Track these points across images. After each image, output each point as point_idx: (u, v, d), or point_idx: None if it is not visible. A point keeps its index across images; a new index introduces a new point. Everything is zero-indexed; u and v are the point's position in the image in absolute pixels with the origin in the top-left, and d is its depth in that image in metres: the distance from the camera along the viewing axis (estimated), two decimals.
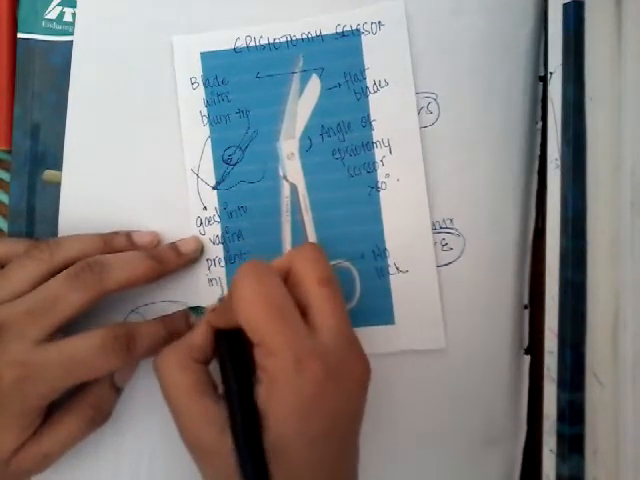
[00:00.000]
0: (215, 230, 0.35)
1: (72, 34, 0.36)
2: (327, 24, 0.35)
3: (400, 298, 0.34)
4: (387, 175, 0.34)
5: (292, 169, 0.35)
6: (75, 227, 0.35)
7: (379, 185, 0.34)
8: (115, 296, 0.34)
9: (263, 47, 0.35)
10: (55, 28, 0.36)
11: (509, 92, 0.34)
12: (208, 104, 0.35)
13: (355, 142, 0.35)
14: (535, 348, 0.35)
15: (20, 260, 0.32)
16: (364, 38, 0.35)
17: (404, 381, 0.34)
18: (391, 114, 0.34)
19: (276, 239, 0.35)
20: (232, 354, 0.29)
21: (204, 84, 0.35)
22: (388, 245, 0.34)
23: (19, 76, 0.36)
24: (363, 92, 0.35)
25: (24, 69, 0.36)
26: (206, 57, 0.35)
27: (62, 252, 0.32)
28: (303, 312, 0.28)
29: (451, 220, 0.34)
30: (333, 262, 0.34)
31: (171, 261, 0.34)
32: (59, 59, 0.36)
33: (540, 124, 0.35)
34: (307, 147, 0.35)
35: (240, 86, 0.35)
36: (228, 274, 0.35)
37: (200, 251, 0.35)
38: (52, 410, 0.32)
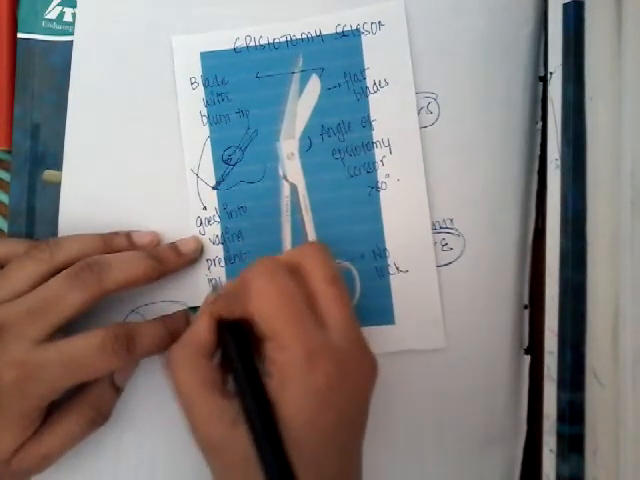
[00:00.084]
0: (215, 230, 0.35)
1: (72, 34, 0.36)
2: (327, 24, 0.35)
3: (400, 298, 0.34)
4: (387, 175, 0.34)
5: (292, 169, 0.35)
6: (75, 227, 0.35)
7: (379, 185, 0.34)
8: (115, 296, 0.34)
9: (263, 47, 0.35)
10: (55, 28, 0.36)
11: (509, 92, 0.34)
12: (208, 104, 0.35)
13: (355, 142, 0.35)
14: (535, 348, 0.35)
15: (20, 260, 0.32)
16: (364, 38, 0.35)
17: (404, 381, 0.34)
18: (391, 114, 0.34)
19: (276, 239, 0.35)
20: (238, 347, 0.29)
21: (204, 84, 0.35)
22: (388, 245, 0.34)
23: (19, 76, 0.36)
24: (363, 92, 0.35)
25: (24, 69, 0.36)
26: (206, 57, 0.35)
27: (62, 252, 0.32)
28: (311, 309, 0.28)
29: (451, 220, 0.34)
30: None
31: (171, 261, 0.34)
32: (59, 59, 0.36)
33: (540, 124, 0.35)
34: (307, 147, 0.35)
35: (240, 86, 0.35)
36: (228, 274, 0.35)
37: (200, 251, 0.35)
38: (52, 410, 0.32)
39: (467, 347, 0.34)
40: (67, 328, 0.31)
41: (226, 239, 0.35)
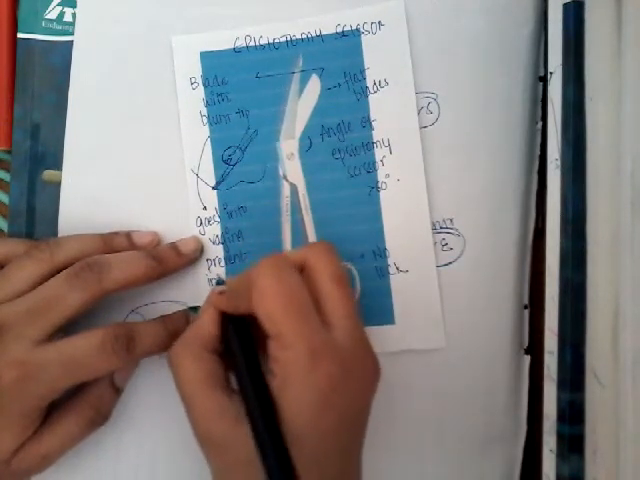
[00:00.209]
0: (215, 230, 0.35)
1: (72, 34, 0.36)
2: (327, 24, 0.35)
3: (400, 298, 0.34)
4: (387, 175, 0.34)
5: (292, 169, 0.35)
6: (75, 227, 0.35)
7: (379, 185, 0.35)
8: (115, 296, 0.34)
9: (263, 47, 0.35)
10: (55, 28, 0.36)
11: (509, 92, 0.34)
12: (208, 104, 0.35)
13: (355, 142, 0.35)
14: (535, 348, 0.35)
15: (20, 260, 0.32)
16: (364, 38, 0.35)
17: (404, 381, 0.34)
18: (391, 114, 0.34)
19: (276, 239, 0.35)
20: (242, 343, 0.29)
21: (204, 84, 0.35)
22: (388, 245, 0.34)
23: (19, 76, 0.36)
24: (363, 92, 0.35)
25: (24, 69, 0.36)
26: (206, 57, 0.35)
27: (62, 252, 0.32)
28: (316, 308, 0.28)
29: (451, 220, 0.34)
30: None
31: (171, 261, 0.34)
32: (59, 59, 0.36)
33: (540, 124, 0.35)
34: (307, 147, 0.35)
35: (240, 86, 0.35)
36: (228, 274, 0.35)
37: (200, 251, 0.35)
38: (52, 410, 0.32)
39: (467, 347, 0.34)
40: (67, 328, 0.31)
41: (226, 239, 0.35)
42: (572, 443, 0.30)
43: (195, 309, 0.35)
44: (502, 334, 0.34)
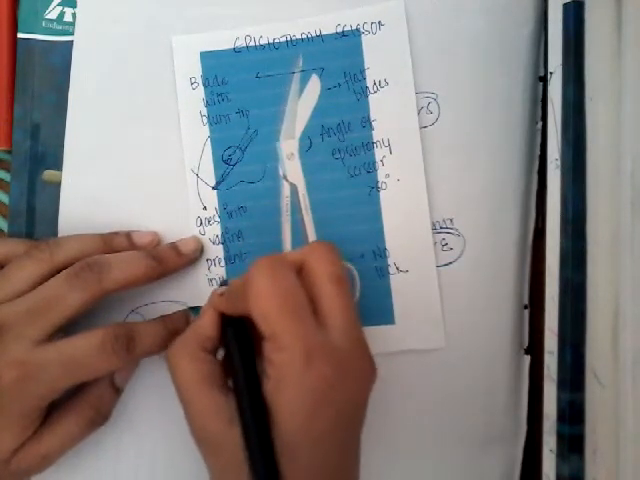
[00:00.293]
0: (215, 230, 0.35)
1: (72, 34, 0.36)
2: (327, 24, 0.35)
3: (400, 298, 0.34)
4: (387, 175, 0.34)
5: (292, 169, 0.35)
6: (75, 227, 0.35)
7: (379, 185, 0.34)
8: (115, 296, 0.34)
9: (263, 47, 0.35)
10: (55, 28, 0.36)
11: (509, 92, 0.34)
12: (208, 104, 0.35)
13: (355, 142, 0.35)
14: (535, 348, 0.35)
15: (20, 260, 0.32)
16: (364, 38, 0.35)
17: (404, 381, 0.34)
18: (391, 114, 0.34)
19: (276, 239, 0.35)
20: (239, 344, 0.29)
21: (204, 84, 0.35)
22: (388, 245, 0.34)
23: (19, 76, 0.36)
24: (363, 92, 0.35)
25: (24, 69, 0.36)
26: (206, 57, 0.35)
27: (62, 252, 0.32)
28: (313, 308, 0.28)
29: (451, 220, 0.34)
30: None
31: (171, 261, 0.34)
32: (59, 59, 0.36)
33: (540, 124, 0.35)
34: (307, 147, 0.35)
35: (240, 86, 0.35)
36: (228, 274, 0.35)
37: (200, 251, 0.35)
38: (52, 410, 0.32)
39: (467, 347, 0.34)
40: (67, 328, 0.31)
41: (226, 239, 0.35)
42: (572, 443, 0.30)
43: (195, 309, 0.35)
44: (502, 334, 0.34)
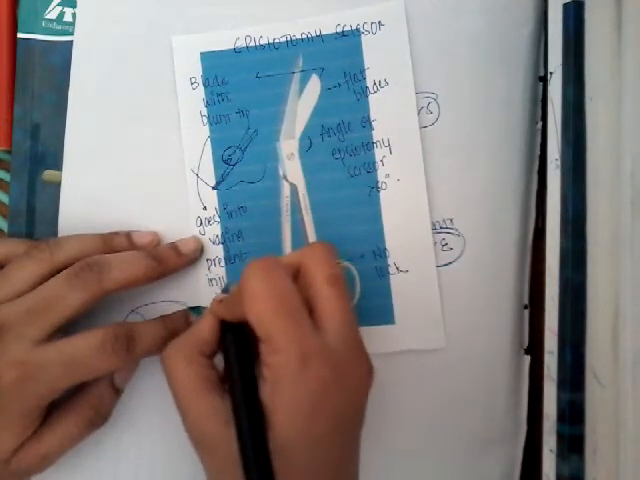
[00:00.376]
0: (215, 230, 0.35)
1: (72, 34, 0.36)
2: (327, 24, 0.35)
3: (400, 298, 0.34)
4: (387, 175, 0.34)
5: (292, 169, 0.35)
6: (75, 227, 0.35)
7: (379, 185, 0.34)
8: (115, 296, 0.34)
9: (263, 47, 0.35)
10: (55, 28, 0.36)
11: (509, 92, 0.34)
12: (208, 104, 0.35)
13: (355, 142, 0.35)
14: (535, 348, 0.35)
15: (20, 260, 0.32)
16: (364, 38, 0.35)
17: (404, 381, 0.34)
18: (391, 114, 0.34)
19: (276, 239, 0.35)
20: (237, 349, 0.29)
21: (204, 84, 0.35)
22: (388, 245, 0.34)
23: (19, 76, 0.36)
24: (363, 92, 0.35)
25: (24, 69, 0.36)
26: (206, 57, 0.35)
27: (62, 252, 0.32)
28: (310, 310, 0.28)
29: (451, 220, 0.34)
30: None
31: (171, 261, 0.34)
32: (59, 59, 0.36)
33: (540, 124, 0.35)
34: (307, 147, 0.35)
35: (240, 86, 0.35)
36: (228, 274, 0.35)
37: (200, 251, 0.35)
38: (52, 410, 0.32)
39: (467, 347, 0.34)
40: (67, 328, 0.31)
41: (226, 239, 0.35)
42: (572, 443, 0.30)
43: (195, 309, 0.35)
44: (502, 334, 0.34)
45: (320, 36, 0.35)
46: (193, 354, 0.29)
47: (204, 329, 0.30)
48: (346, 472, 0.29)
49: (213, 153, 0.35)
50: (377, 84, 0.35)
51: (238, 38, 0.35)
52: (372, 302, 0.34)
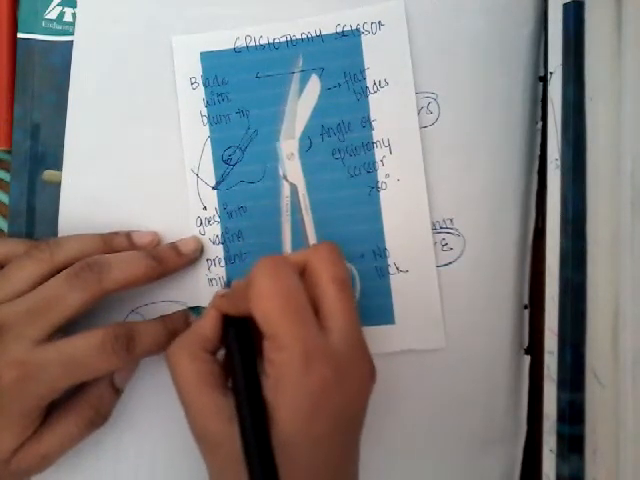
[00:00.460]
0: (215, 230, 0.35)
1: (72, 34, 0.36)
2: (327, 24, 0.35)
3: (400, 298, 0.34)
4: (387, 175, 0.34)
5: (292, 169, 0.35)
6: (75, 227, 0.35)
7: (379, 185, 0.34)
8: (115, 296, 0.34)
9: (263, 47, 0.35)
10: (55, 28, 0.36)
11: (509, 92, 0.34)
12: (208, 104, 0.35)
13: (355, 142, 0.35)
14: (535, 348, 0.35)
15: (20, 260, 0.32)
16: (364, 38, 0.35)
17: (404, 381, 0.34)
18: (391, 114, 0.34)
19: (276, 239, 0.35)
20: (240, 344, 0.29)
21: (204, 84, 0.35)
22: (388, 245, 0.34)
23: (19, 76, 0.36)
24: (363, 92, 0.35)
25: (24, 69, 0.36)
26: (206, 57, 0.35)
27: (62, 252, 0.32)
28: (314, 309, 0.28)
29: (451, 220, 0.34)
30: None
31: (171, 261, 0.34)
32: (59, 59, 0.36)
33: (540, 124, 0.35)
34: (307, 147, 0.35)
35: (240, 86, 0.35)
36: (228, 274, 0.35)
37: (200, 251, 0.35)
38: (52, 410, 0.32)
39: (467, 347, 0.34)
40: (67, 328, 0.31)
41: (226, 239, 0.35)
42: (572, 443, 0.30)
43: (195, 309, 0.35)
44: (502, 334, 0.34)
45: (320, 36, 0.35)
46: (197, 350, 0.29)
47: (207, 325, 0.30)
48: (346, 471, 0.29)
49: (213, 153, 0.35)
50: (377, 84, 0.35)
51: (238, 38, 0.35)
52: (372, 302, 0.34)
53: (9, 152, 0.37)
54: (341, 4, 0.35)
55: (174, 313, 0.34)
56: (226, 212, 0.35)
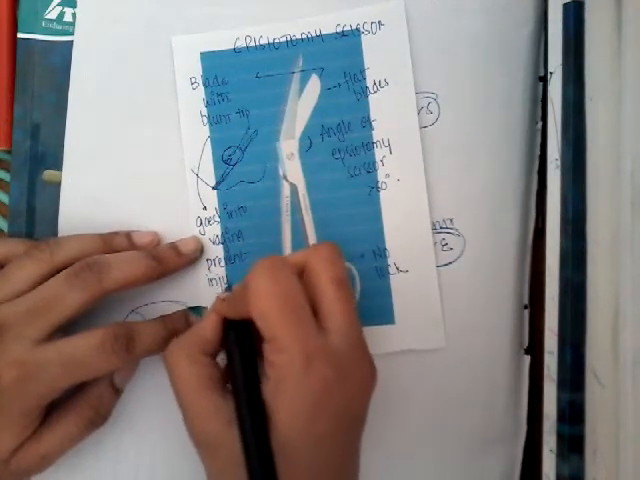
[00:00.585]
0: (215, 230, 0.35)
1: (72, 34, 0.36)
2: (327, 24, 0.35)
3: (400, 298, 0.34)
4: (387, 175, 0.34)
5: (292, 169, 0.35)
6: (75, 227, 0.35)
7: (379, 185, 0.35)
8: (115, 296, 0.34)
9: (263, 47, 0.35)
10: (55, 28, 0.36)
11: (509, 92, 0.34)
12: (208, 104, 0.35)
13: (355, 142, 0.35)
14: (535, 348, 0.35)
15: (20, 260, 0.32)
16: (364, 38, 0.35)
17: (404, 381, 0.34)
18: (391, 114, 0.34)
19: (276, 239, 0.35)
20: (240, 347, 0.29)
21: (204, 84, 0.35)
22: (388, 245, 0.34)
23: (19, 76, 0.36)
24: (363, 92, 0.35)
25: (24, 69, 0.36)
26: (206, 57, 0.36)
27: (62, 252, 0.32)
28: (314, 310, 0.28)
29: (451, 220, 0.34)
30: None
31: (171, 261, 0.34)
32: (59, 59, 0.36)
33: (540, 124, 0.35)
34: (307, 147, 0.35)
35: (240, 86, 0.35)
36: (228, 274, 0.35)
37: (200, 251, 0.35)
38: (52, 410, 0.32)
39: (467, 347, 0.34)
40: (67, 328, 0.31)
41: (226, 239, 0.35)
42: (572, 443, 0.30)
43: (195, 309, 0.35)
44: (502, 334, 0.34)
45: (320, 36, 0.35)
46: (196, 353, 0.29)
47: (207, 327, 0.30)
48: (347, 471, 0.29)
49: (213, 153, 0.35)
50: (377, 84, 0.35)
51: (238, 38, 0.35)
52: (372, 302, 0.34)
53: (9, 152, 0.37)
54: (341, 4, 0.35)
55: (174, 313, 0.34)
56: (226, 212, 0.35)
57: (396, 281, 0.34)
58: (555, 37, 0.32)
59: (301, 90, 0.35)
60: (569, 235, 0.30)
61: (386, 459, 0.35)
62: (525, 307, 0.35)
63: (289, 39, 0.35)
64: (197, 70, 0.35)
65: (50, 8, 0.36)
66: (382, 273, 0.34)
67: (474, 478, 0.34)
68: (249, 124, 0.35)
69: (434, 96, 0.34)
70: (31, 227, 0.36)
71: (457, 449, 0.34)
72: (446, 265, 0.34)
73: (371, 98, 0.35)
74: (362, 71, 0.35)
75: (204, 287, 0.35)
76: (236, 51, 0.35)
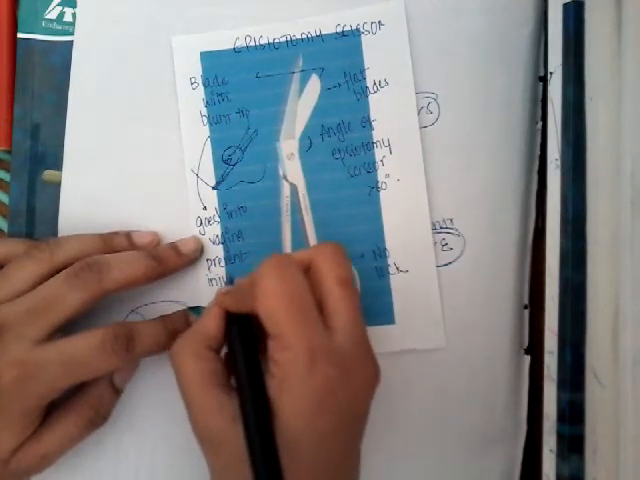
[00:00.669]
0: (215, 230, 0.35)
1: (72, 34, 0.36)
2: (327, 24, 0.35)
3: (400, 298, 0.34)
4: (387, 175, 0.34)
5: (292, 169, 0.35)
6: (75, 227, 0.35)
7: (379, 185, 0.35)
8: (115, 296, 0.34)
9: (263, 47, 0.35)
10: (55, 28, 0.36)
11: (509, 92, 0.34)
12: (208, 104, 0.35)
13: (355, 142, 0.35)
14: (535, 348, 0.35)
15: (20, 260, 0.32)
16: (364, 38, 0.35)
17: (404, 381, 0.34)
18: (391, 114, 0.34)
19: (276, 239, 0.35)
20: (243, 342, 0.29)
21: (204, 84, 0.35)
22: (388, 245, 0.34)
23: (19, 76, 0.36)
24: (363, 92, 0.35)
25: (24, 69, 0.36)
26: (206, 57, 0.36)
27: (62, 252, 0.32)
28: (319, 309, 0.28)
29: (451, 220, 0.34)
30: None
31: (171, 261, 0.34)
32: (59, 59, 0.36)
33: (540, 124, 0.35)
34: (307, 147, 0.35)
35: (240, 86, 0.35)
36: (228, 274, 0.35)
37: (200, 251, 0.35)
38: (51, 410, 0.32)
39: (467, 347, 0.34)
40: (67, 328, 0.31)
41: (226, 239, 0.35)
42: (572, 443, 0.30)
43: (195, 309, 0.35)
44: (502, 334, 0.34)
45: (320, 36, 0.35)
46: (201, 349, 0.29)
47: (210, 322, 0.30)
48: (348, 469, 0.29)
49: (213, 153, 0.35)
50: (377, 84, 0.35)
51: (238, 38, 0.35)
52: (372, 302, 0.34)
53: (9, 152, 0.37)
54: (341, 4, 0.35)
55: (174, 313, 0.34)
56: (226, 212, 0.35)
57: (396, 281, 0.34)
58: (555, 37, 0.32)
59: (301, 90, 0.35)
60: (569, 235, 0.30)
61: (386, 458, 0.35)
62: (525, 307, 0.35)
63: (289, 39, 0.35)
64: (197, 70, 0.35)
65: (50, 8, 0.36)
66: (382, 273, 0.34)
67: (474, 478, 0.34)
68: (249, 124, 0.35)
69: (434, 96, 0.34)
70: (31, 227, 0.36)
71: (457, 449, 0.34)
72: (446, 265, 0.34)
73: (371, 98, 0.35)
74: (362, 71, 0.35)
75: (204, 287, 0.35)
76: (236, 51, 0.35)
